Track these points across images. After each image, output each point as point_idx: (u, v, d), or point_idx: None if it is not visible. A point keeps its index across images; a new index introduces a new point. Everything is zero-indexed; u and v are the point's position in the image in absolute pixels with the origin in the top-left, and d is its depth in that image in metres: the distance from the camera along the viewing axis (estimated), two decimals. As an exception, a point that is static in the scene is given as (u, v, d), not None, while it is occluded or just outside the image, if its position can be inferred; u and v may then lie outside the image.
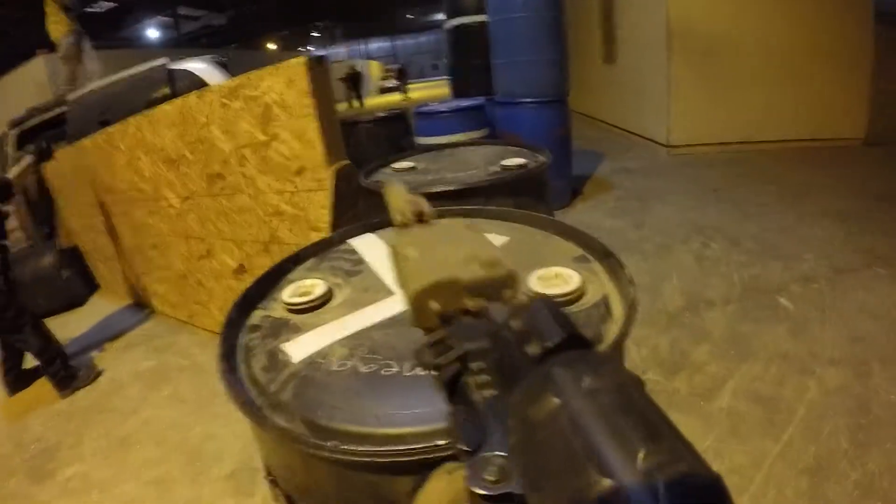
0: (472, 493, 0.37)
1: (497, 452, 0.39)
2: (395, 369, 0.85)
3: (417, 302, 0.58)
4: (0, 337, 3.52)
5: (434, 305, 0.57)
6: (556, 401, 0.32)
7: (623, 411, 0.30)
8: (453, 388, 0.51)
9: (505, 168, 2.07)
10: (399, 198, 0.80)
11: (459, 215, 1.47)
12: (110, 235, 4.48)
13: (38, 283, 4.81)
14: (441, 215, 1.42)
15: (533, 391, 0.34)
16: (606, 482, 0.26)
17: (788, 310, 3.29)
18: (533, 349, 0.41)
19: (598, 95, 10.63)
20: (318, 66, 2.41)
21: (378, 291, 1.11)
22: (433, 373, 0.53)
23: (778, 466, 2.17)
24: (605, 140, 9.27)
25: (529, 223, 1.37)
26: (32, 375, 3.71)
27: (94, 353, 4.09)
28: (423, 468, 0.69)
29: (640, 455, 0.27)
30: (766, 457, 2.22)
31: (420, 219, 0.76)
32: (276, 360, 0.94)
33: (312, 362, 0.91)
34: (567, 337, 0.40)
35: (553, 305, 0.44)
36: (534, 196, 2.05)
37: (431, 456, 0.67)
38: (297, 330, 1.02)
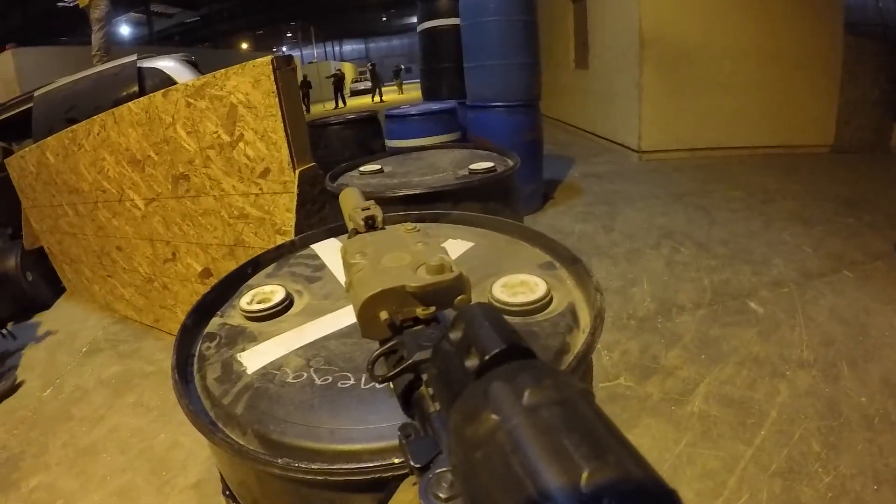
0: None
1: (449, 468, 0.37)
2: (351, 382, 0.82)
3: (366, 311, 0.55)
4: None
5: (383, 314, 0.55)
6: (494, 418, 0.30)
7: (566, 427, 0.28)
8: (409, 400, 0.49)
9: (473, 172, 2.05)
10: (350, 204, 0.79)
11: (426, 220, 1.45)
12: (75, 237, 4.38)
13: (1, 285, 4.68)
14: (395, 220, 1.40)
15: (470, 408, 0.32)
16: None
17: (758, 314, 3.33)
18: (471, 361, 0.39)
19: (570, 101, 10.69)
20: (284, 66, 2.37)
21: (338, 299, 1.08)
22: (390, 385, 0.51)
23: (751, 470, 2.18)
24: (576, 145, 9.34)
25: (495, 228, 1.34)
26: None
27: (59, 359, 3.99)
28: (379, 486, 0.66)
29: (584, 475, 0.25)
30: (738, 460, 2.23)
31: (370, 225, 0.74)
32: (230, 371, 0.91)
33: (267, 373, 0.88)
34: (507, 347, 0.38)
35: (492, 312, 0.42)
36: (502, 200, 2.03)
37: (387, 474, 0.65)
38: (254, 339, 0.99)
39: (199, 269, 3.23)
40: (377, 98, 30.66)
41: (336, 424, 0.74)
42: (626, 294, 3.70)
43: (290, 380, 0.85)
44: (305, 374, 0.86)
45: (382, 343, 0.56)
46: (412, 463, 0.41)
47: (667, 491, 0.26)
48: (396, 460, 0.65)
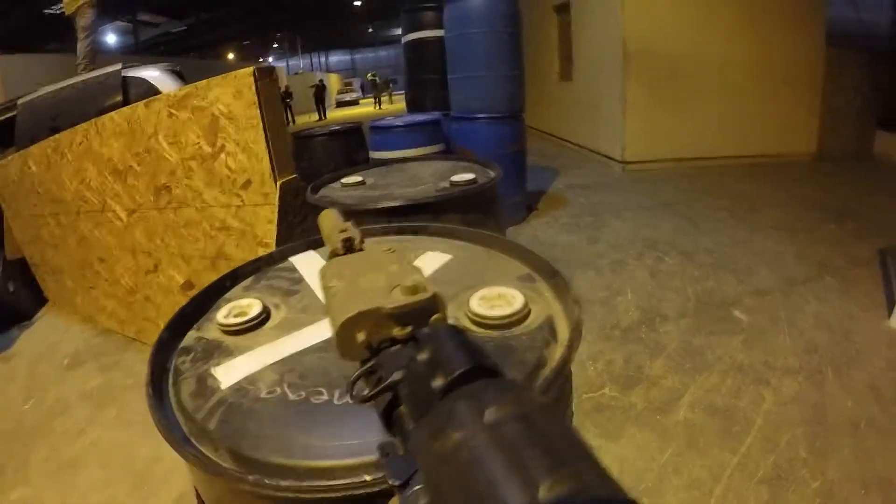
0: None
1: None
2: (324, 397, 0.82)
3: (343, 333, 0.56)
4: None
5: (360, 336, 0.56)
6: (456, 436, 0.31)
7: (526, 442, 0.29)
8: (390, 419, 0.50)
9: (454, 184, 2.05)
10: (328, 225, 0.80)
11: (406, 232, 1.44)
12: (57, 248, 4.34)
13: (-18, 296, 4.63)
14: (376, 233, 1.39)
15: (436, 427, 0.33)
16: None
17: (743, 322, 3.36)
18: (437, 382, 0.40)
19: (554, 112, 10.75)
20: (266, 77, 2.37)
21: (315, 312, 1.07)
22: (372, 405, 0.51)
23: (737, 478, 2.18)
24: (560, 156, 9.39)
25: (474, 241, 1.34)
26: None
27: (41, 371, 3.94)
28: (352, 503, 0.66)
29: (543, 487, 0.26)
30: (725, 469, 2.23)
31: (349, 247, 0.75)
32: (204, 386, 0.90)
33: (241, 388, 0.87)
34: (471, 367, 0.39)
35: (458, 333, 0.44)
36: (484, 212, 2.03)
37: (359, 491, 0.64)
38: (230, 353, 0.98)
39: (182, 280, 3.22)
40: (377, 107, 31.47)
41: (309, 440, 0.74)
42: (610, 304, 3.71)
43: (263, 395, 0.84)
44: (279, 390, 0.85)
45: (362, 364, 0.56)
46: (391, 481, 0.40)
47: (628, 499, 0.26)
48: (368, 477, 0.65)
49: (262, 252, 2.25)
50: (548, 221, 5.80)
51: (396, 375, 0.49)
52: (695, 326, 3.34)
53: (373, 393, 0.50)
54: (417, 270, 0.64)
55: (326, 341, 0.96)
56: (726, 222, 5.20)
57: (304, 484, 0.67)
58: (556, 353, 0.89)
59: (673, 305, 3.62)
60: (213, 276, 2.87)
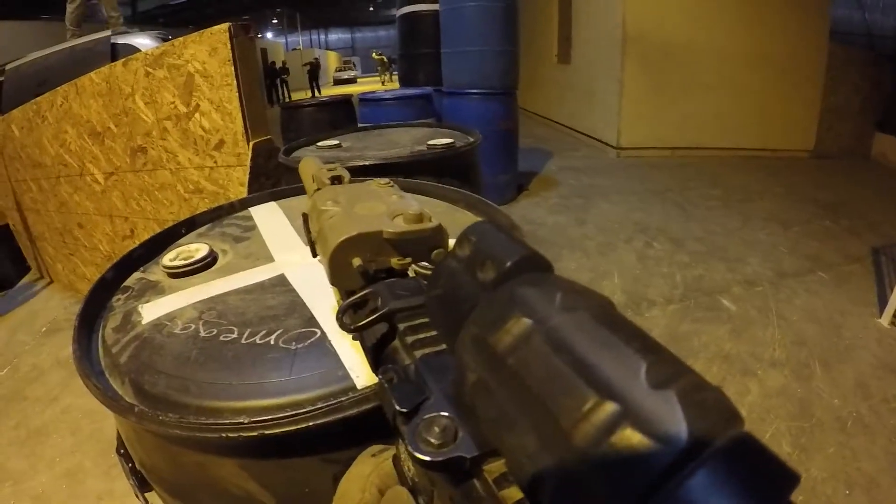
0: (414, 461, 0.32)
1: (440, 413, 0.34)
2: (234, 335, 0.79)
3: (337, 256, 0.53)
4: None
5: (356, 261, 0.52)
6: (526, 321, 0.27)
7: (610, 326, 0.26)
8: (379, 354, 0.46)
9: (431, 147, 2.01)
10: (313, 167, 0.77)
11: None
12: (38, 214, 4.30)
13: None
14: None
15: (494, 316, 0.29)
16: (609, 404, 0.22)
17: (731, 311, 3.32)
18: (486, 274, 0.35)
19: (551, 95, 10.70)
20: (242, 35, 2.32)
21: (258, 259, 1.06)
22: (357, 337, 0.49)
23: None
24: (555, 139, 9.34)
25: (441, 197, 1.33)
26: None
27: (18, 338, 3.92)
28: (237, 450, 0.65)
29: (643, 369, 0.23)
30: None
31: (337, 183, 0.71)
32: (128, 321, 0.89)
33: (158, 324, 0.85)
34: (527, 254, 0.34)
35: (503, 228, 0.39)
36: (459, 177, 1.98)
37: (236, 435, 0.61)
38: (162, 292, 0.97)
39: (158, 246, 3.17)
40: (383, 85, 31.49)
41: (206, 378, 0.72)
42: (596, 286, 3.58)
43: (177, 331, 0.83)
44: (193, 326, 0.83)
45: (351, 293, 0.52)
46: (397, 407, 0.36)
47: (716, 386, 0.24)
48: (246, 421, 0.61)
49: (233, 215, 2.21)
50: (538, 202, 5.76)
51: (394, 304, 0.45)
52: (681, 313, 3.30)
53: (367, 321, 0.46)
54: (419, 203, 0.60)
55: (257, 284, 0.95)
56: (718, 211, 5.17)
57: (186, 422, 0.64)
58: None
59: (660, 291, 3.59)
60: (186, 241, 2.86)
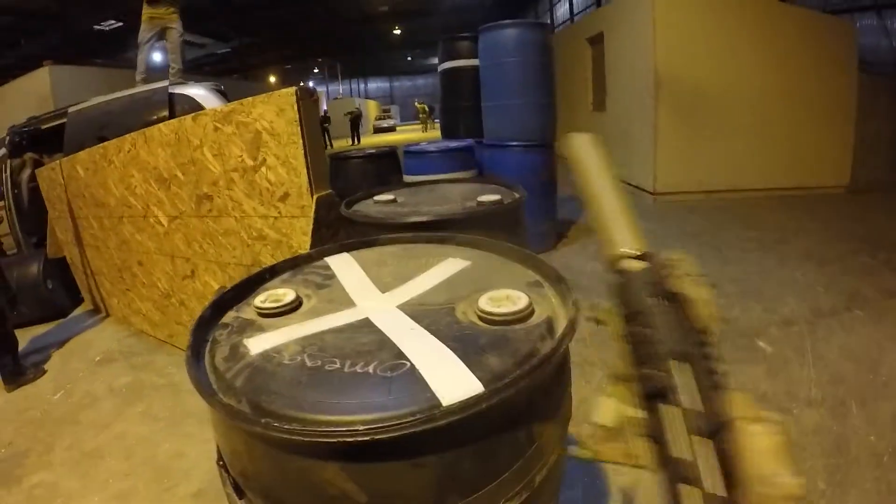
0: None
1: None
2: (336, 366, 0.93)
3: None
4: None
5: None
6: None
7: None
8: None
9: (480, 203, 2.14)
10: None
11: (433, 242, 1.57)
12: (98, 250, 4.53)
13: (22, 291, 4.75)
14: (406, 241, 1.52)
15: None
16: None
17: (767, 352, 3.32)
18: None
19: (588, 143, 10.73)
20: (307, 98, 2.52)
21: (341, 303, 1.19)
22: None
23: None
24: (592, 188, 9.30)
25: (491, 250, 1.45)
26: None
27: (72, 365, 4.10)
28: (344, 455, 0.79)
29: None
30: (744, 498, 2.22)
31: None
32: (236, 352, 1.02)
33: (267, 355, 0.99)
34: None
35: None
36: (507, 231, 2.09)
37: (352, 439, 0.74)
38: (262, 329, 1.10)
39: (217, 287, 3.35)
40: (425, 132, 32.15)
41: (317, 398, 0.85)
42: (632, 332, 3.69)
43: (285, 361, 0.96)
44: (299, 358, 0.97)
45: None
46: None
47: None
48: (361, 428, 0.75)
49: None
50: (577, 249, 5.86)
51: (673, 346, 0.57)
52: (717, 354, 3.30)
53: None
54: None
55: (346, 325, 1.09)
56: (754, 252, 5.18)
57: (308, 429, 0.78)
58: (548, 346, 0.96)
59: (697, 333, 3.60)
60: (247, 284, 3.02)
